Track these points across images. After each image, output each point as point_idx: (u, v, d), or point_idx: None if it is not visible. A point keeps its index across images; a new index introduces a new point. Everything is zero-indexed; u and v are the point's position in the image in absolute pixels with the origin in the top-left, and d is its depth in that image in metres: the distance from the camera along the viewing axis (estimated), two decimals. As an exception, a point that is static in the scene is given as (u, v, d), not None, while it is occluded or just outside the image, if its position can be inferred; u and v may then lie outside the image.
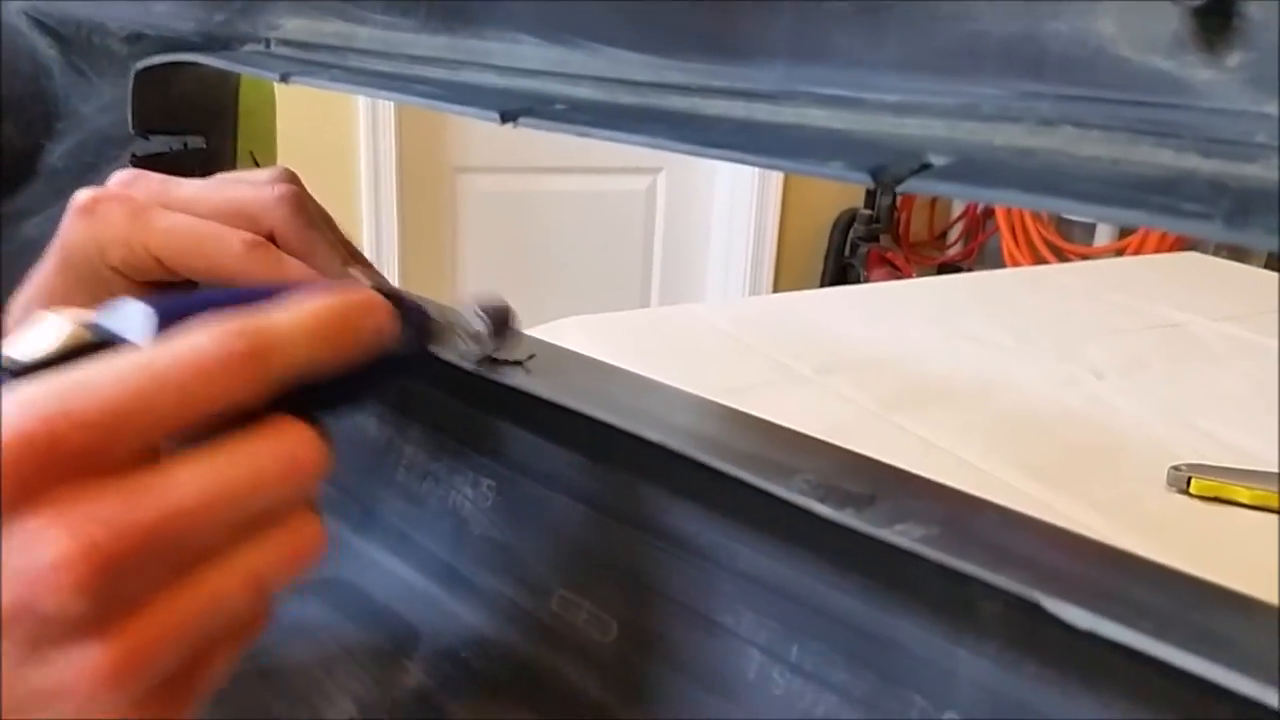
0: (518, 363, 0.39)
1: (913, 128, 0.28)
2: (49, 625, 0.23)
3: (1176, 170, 0.23)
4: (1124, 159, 0.24)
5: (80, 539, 0.23)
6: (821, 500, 0.29)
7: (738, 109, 0.32)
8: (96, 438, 0.23)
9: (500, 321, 0.41)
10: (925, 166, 0.25)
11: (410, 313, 0.34)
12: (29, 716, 0.23)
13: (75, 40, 0.58)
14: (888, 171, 0.25)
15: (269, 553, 0.27)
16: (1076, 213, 0.23)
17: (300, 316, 0.28)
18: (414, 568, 0.45)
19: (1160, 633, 0.23)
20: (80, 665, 0.23)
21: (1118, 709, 0.26)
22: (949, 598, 0.29)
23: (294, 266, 0.38)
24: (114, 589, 0.23)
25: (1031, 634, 0.28)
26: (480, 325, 0.40)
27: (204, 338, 0.26)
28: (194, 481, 0.25)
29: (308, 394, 0.28)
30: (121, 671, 0.23)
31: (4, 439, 0.22)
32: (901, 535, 0.28)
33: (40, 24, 0.58)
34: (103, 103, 0.57)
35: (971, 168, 0.25)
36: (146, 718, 0.25)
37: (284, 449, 0.27)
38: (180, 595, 0.25)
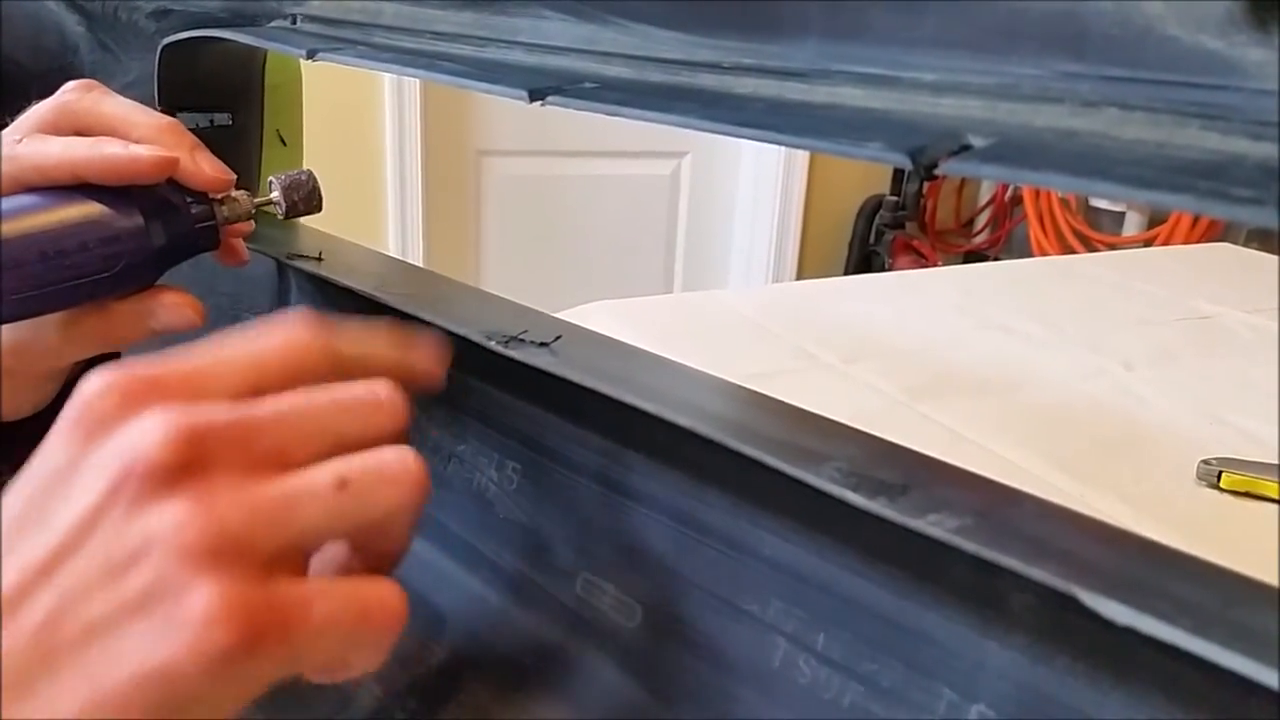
0: (544, 344, 0.39)
1: (950, 108, 0.28)
2: (145, 482, 0.26)
3: (1225, 154, 0.22)
4: (1169, 142, 0.24)
5: (174, 415, 0.27)
6: (854, 489, 0.29)
7: (770, 88, 0.32)
8: (193, 382, 0.28)
9: (294, 190, 0.44)
10: (965, 148, 0.25)
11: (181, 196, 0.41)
12: (125, 577, 0.25)
13: (102, 17, 0.58)
14: (927, 153, 0.25)
15: (355, 464, 0.28)
16: (1121, 196, 0.22)
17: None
18: (439, 549, 0.45)
19: (1200, 629, 0.23)
20: (170, 517, 0.25)
21: (1150, 704, 0.26)
22: (979, 589, 0.29)
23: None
24: (201, 455, 0.26)
25: (1062, 627, 0.27)
26: (275, 193, 0.44)
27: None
28: (280, 401, 0.29)
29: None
30: (206, 529, 0.25)
31: (111, 379, 0.28)
32: (935, 526, 0.27)
33: (69, 1, 0.58)
34: (129, 79, 0.57)
35: (1012, 149, 0.25)
36: (245, 609, 0.25)
37: (365, 389, 0.30)
38: (265, 482, 0.27)
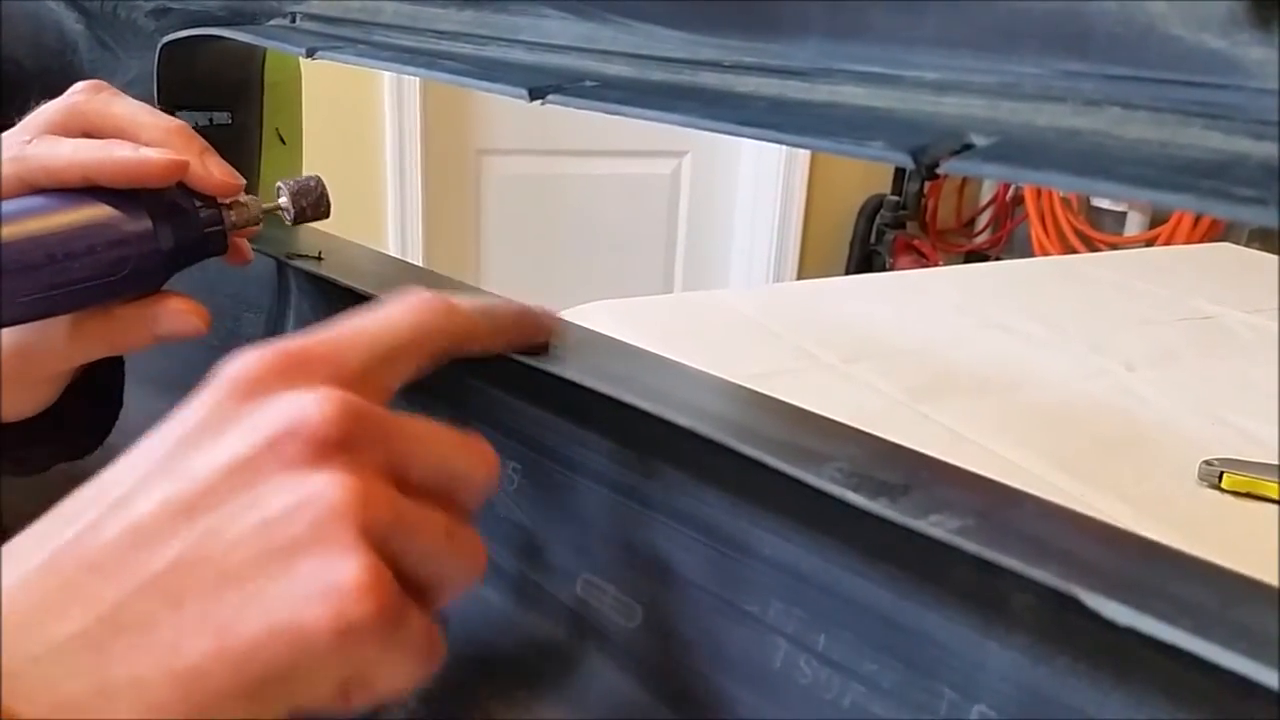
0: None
1: (952, 107, 0.27)
2: (307, 446, 0.26)
3: (1227, 153, 0.22)
4: (1172, 141, 0.24)
5: (342, 394, 0.27)
6: (855, 489, 0.29)
7: (771, 87, 0.32)
8: (336, 352, 0.30)
9: (303, 196, 0.45)
10: (967, 147, 0.25)
11: (194, 203, 0.41)
12: (273, 531, 0.25)
13: (101, 15, 0.58)
14: (929, 152, 0.25)
15: (460, 526, 0.29)
16: (1124, 196, 0.22)
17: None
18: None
19: (1201, 630, 0.23)
20: (334, 484, 0.26)
21: (1151, 704, 0.26)
22: (980, 590, 0.29)
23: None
24: (360, 437, 0.27)
25: (1063, 628, 0.27)
26: (283, 199, 0.45)
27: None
28: (420, 421, 0.30)
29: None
30: (367, 504, 0.26)
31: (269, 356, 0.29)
32: (936, 526, 0.27)
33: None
34: (129, 78, 0.57)
35: (1015, 148, 0.25)
36: (388, 588, 0.26)
37: (477, 442, 0.31)
38: (404, 493, 0.28)
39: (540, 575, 0.42)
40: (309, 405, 0.27)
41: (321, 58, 0.43)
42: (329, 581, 0.25)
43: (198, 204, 0.41)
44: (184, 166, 0.40)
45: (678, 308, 1.36)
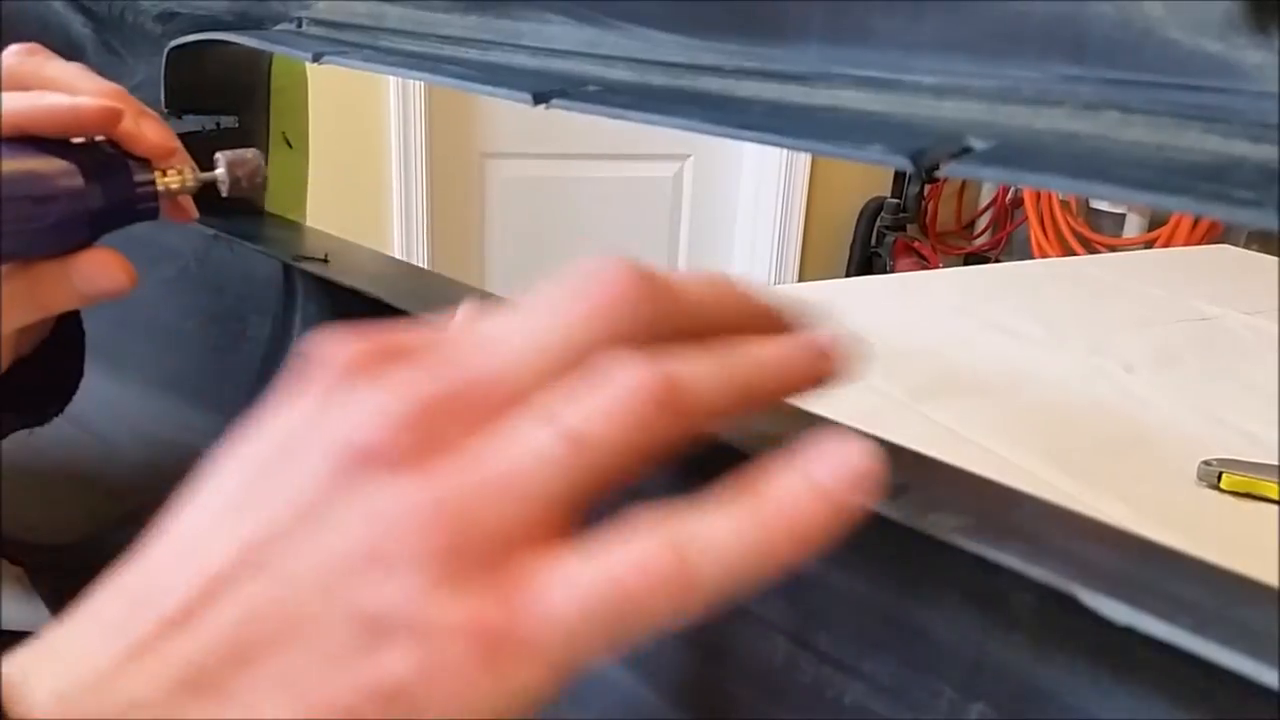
0: None
1: (951, 110, 0.28)
2: (368, 455, 0.22)
3: (1225, 156, 0.23)
4: (1169, 144, 0.24)
5: (402, 387, 0.23)
6: None
7: (772, 91, 0.32)
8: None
9: (238, 166, 0.44)
10: (966, 150, 0.25)
11: (121, 165, 0.40)
12: (348, 562, 0.22)
13: (109, 19, 0.58)
14: (928, 155, 0.25)
15: (581, 402, 0.23)
16: (1122, 198, 0.22)
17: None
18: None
19: (1198, 627, 0.23)
20: (397, 494, 0.22)
21: (1150, 704, 0.26)
22: (979, 588, 0.29)
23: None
24: (430, 429, 0.23)
25: (1063, 627, 0.27)
26: (219, 169, 0.44)
27: None
28: (498, 333, 0.25)
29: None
30: (439, 506, 0.22)
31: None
32: (935, 525, 0.27)
33: (74, 2, 0.59)
34: (135, 82, 0.57)
35: (1013, 152, 0.25)
36: (480, 621, 0.21)
37: (583, 282, 0.25)
38: (494, 439, 0.23)
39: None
40: (371, 413, 0.23)
41: (328, 62, 0.43)
42: (408, 622, 0.21)
43: (131, 165, 0.41)
44: (117, 115, 0.39)
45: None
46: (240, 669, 0.21)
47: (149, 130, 0.41)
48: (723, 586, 0.22)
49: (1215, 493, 0.84)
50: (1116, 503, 0.81)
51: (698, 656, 0.36)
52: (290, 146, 0.60)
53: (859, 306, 1.31)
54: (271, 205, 0.60)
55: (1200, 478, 0.85)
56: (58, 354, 0.47)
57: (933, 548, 0.27)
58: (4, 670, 0.21)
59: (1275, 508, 0.82)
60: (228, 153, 0.45)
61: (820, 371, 0.27)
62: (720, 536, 0.23)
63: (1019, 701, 0.28)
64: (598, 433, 0.23)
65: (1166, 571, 0.26)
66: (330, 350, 0.24)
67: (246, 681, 0.21)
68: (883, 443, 0.33)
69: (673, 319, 0.25)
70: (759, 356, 0.26)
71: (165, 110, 0.53)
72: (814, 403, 0.33)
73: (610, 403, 0.23)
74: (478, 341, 0.25)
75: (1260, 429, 0.96)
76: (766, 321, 0.28)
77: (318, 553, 0.22)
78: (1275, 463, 0.85)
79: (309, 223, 0.59)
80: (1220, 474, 0.84)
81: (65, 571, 0.53)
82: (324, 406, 0.24)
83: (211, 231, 0.53)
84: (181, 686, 0.21)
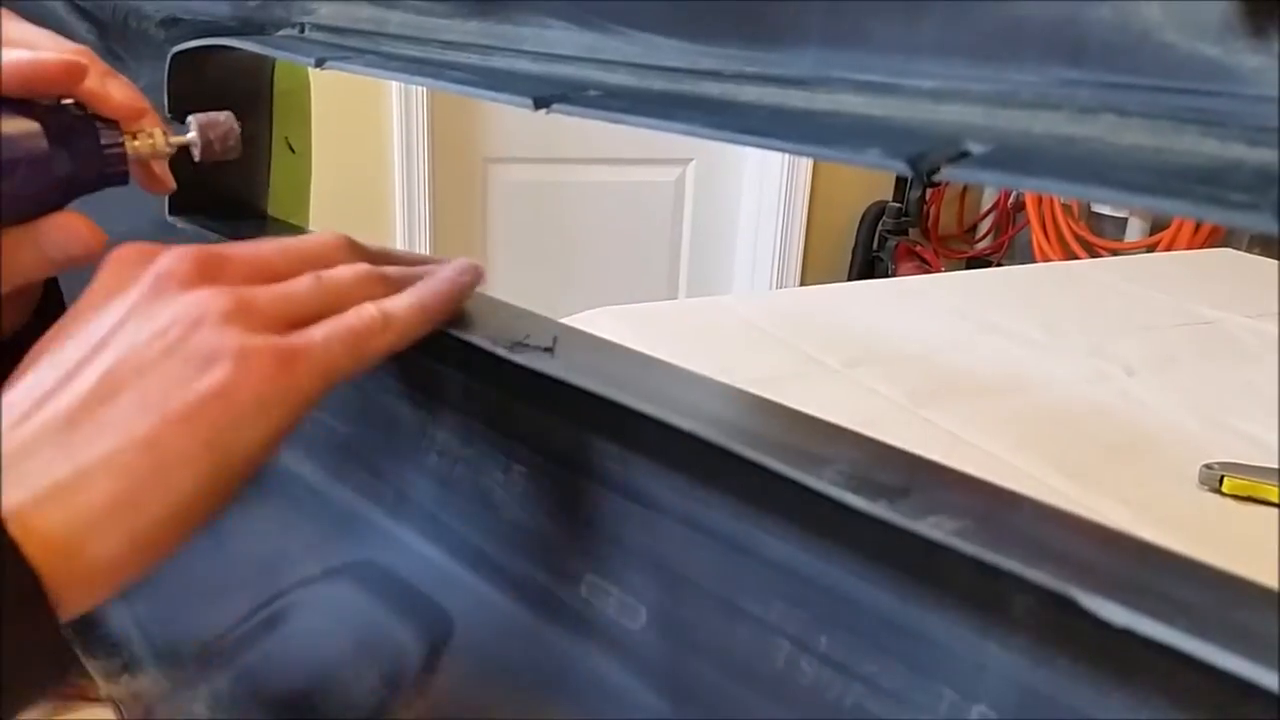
0: (548, 349, 0.39)
1: (950, 114, 0.28)
2: (172, 280, 0.34)
3: (1222, 160, 0.23)
4: (1167, 148, 0.24)
5: (192, 249, 0.35)
6: (854, 491, 0.29)
7: (771, 95, 0.32)
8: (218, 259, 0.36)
9: (211, 129, 0.44)
10: (964, 154, 0.25)
11: (90, 129, 0.40)
12: (166, 334, 0.33)
13: (112, 24, 0.58)
14: (926, 159, 0.25)
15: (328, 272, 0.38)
16: (1119, 202, 0.22)
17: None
18: (445, 551, 0.45)
19: (1197, 630, 0.23)
20: (200, 294, 0.34)
21: (1151, 706, 0.26)
22: (980, 591, 0.29)
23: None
24: (219, 267, 0.35)
25: (1063, 629, 0.27)
26: (191, 133, 0.44)
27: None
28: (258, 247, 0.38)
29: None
30: (229, 299, 0.33)
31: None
32: (935, 528, 0.27)
33: (78, 9, 0.59)
34: (139, 87, 0.58)
35: (1011, 156, 0.25)
36: (269, 343, 0.33)
37: (319, 236, 0.41)
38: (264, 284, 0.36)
39: (545, 577, 0.42)
40: (165, 259, 0.35)
41: (330, 68, 0.44)
42: (221, 349, 0.32)
43: (99, 127, 0.40)
44: (81, 69, 0.39)
45: (682, 313, 1.36)
46: (107, 404, 0.31)
47: (115, 90, 0.41)
48: (411, 323, 0.37)
49: (1217, 496, 0.84)
50: (1118, 506, 0.81)
51: (700, 659, 0.37)
52: (293, 151, 0.60)
53: (861, 310, 1.31)
54: (275, 210, 0.60)
55: (1202, 481, 0.85)
56: (38, 337, 0.47)
57: (933, 550, 0.28)
58: None
59: (1276, 511, 0.82)
60: (200, 115, 0.44)
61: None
62: (401, 299, 0.38)
63: (1020, 703, 0.28)
64: (333, 275, 0.37)
65: (1164, 574, 0.26)
66: (129, 248, 0.36)
67: (113, 410, 0.31)
68: (883, 446, 0.33)
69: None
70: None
71: (169, 115, 0.53)
72: (816, 408, 0.33)
73: (344, 269, 0.38)
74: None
75: (1262, 432, 0.96)
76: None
77: (153, 324, 0.33)
78: (1277, 466, 0.85)
79: (312, 227, 0.59)
80: (1222, 477, 0.84)
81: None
82: (130, 275, 0.35)
83: (214, 236, 0.53)
84: (62, 425, 0.31)
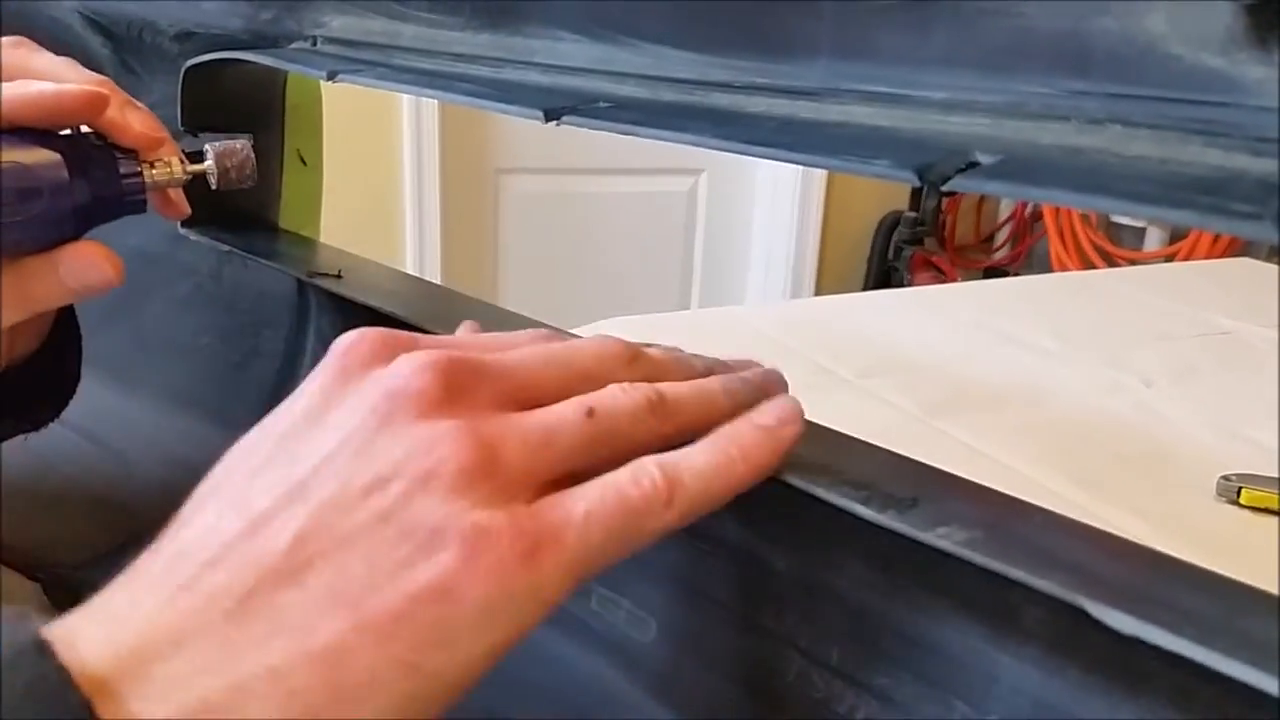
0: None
1: (958, 125, 0.28)
2: (405, 404, 0.26)
3: (1226, 170, 0.23)
4: (1172, 158, 0.24)
5: (433, 352, 0.27)
6: (864, 502, 0.29)
7: (781, 106, 0.32)
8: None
9: (228, 157, 0.43)
10: (972, 165, 0.25)
11: (107, 157, 0.39)
12: (383, 490, 0.25)
13: (127, 39, 0.59)
14: (934, 170, 0.25)
15: (598, 395, 0.29)
16: (1124, 212, 0.22)
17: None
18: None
19: (1205, 639, 0.23)
20: (435, 425, 0.26)
21: (1159, 714, 0.26)
22: (991, 602, 0.29)
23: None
24: (461, 385, 0.27)
25: (1074, 639, 0.27)
26: (208, 160, 0.43)
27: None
28: (526, 349, 0.31)
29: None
30: (475, 446, 0.26)
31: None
32: (944, 539, 0.27)
33: (93, 22, 0.59)
34: (152, 100, 0.58)
35: (1019, 166, 0.25)
36: (515, 520, 0.25)
37: (592, 343, 0.32)
38: (521, 414, 0.28)
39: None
40: (404, 368, 0.27)
41: (342, 80, 0.44)
42: (454, 533, 0.24)
43: (118, 157, 0.40)
44: (103, 100, 0.39)
45: (695, 324, 1.36)
46: (290, 585, 0.23)
47: (135, 120, 0.40)
48: (700, 499, 0.28)
49: (1234, 508, 0.84)
50: (1135, 518, 0.81)
51: (710, 671, 0.37)
52: (305, 164, 0.60)
53: (875, 320, 1.30)
54: (286, 222, 0.60)
55: (1219, 493, 0.85)
56: (54, 359, 0.47)
57: (943, 560, 0.28)
58: (54, 632, 0.23)
59: (1294, 522, 0.81)
60: (216, 144, 0.44)
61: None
62: (694, 461, 0.28)
63: (1031, 713, 0.28)
64: (607, 407, 0.28)
65: (1174, 584, 0.26)
66: (358, 334, 0.28)
67: (296, 598, 0.23)
68: (893, 456, 0.33)
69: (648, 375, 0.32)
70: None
71: (181, 129, 0.53)
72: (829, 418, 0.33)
73: (618, 393, 0.29)
74: (487, 340, 0.31)
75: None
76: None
77: (362, 475, 0.25)
78: (1294, 477, 0.85)
79: (323, 239, 0.60)
80: (1240, 489, 0.83)
81: (80, 589, 0.54)
82: (356, 375, 0.27)
83: (226, 248, 0.54)
84: (233, 619, 0.23)
